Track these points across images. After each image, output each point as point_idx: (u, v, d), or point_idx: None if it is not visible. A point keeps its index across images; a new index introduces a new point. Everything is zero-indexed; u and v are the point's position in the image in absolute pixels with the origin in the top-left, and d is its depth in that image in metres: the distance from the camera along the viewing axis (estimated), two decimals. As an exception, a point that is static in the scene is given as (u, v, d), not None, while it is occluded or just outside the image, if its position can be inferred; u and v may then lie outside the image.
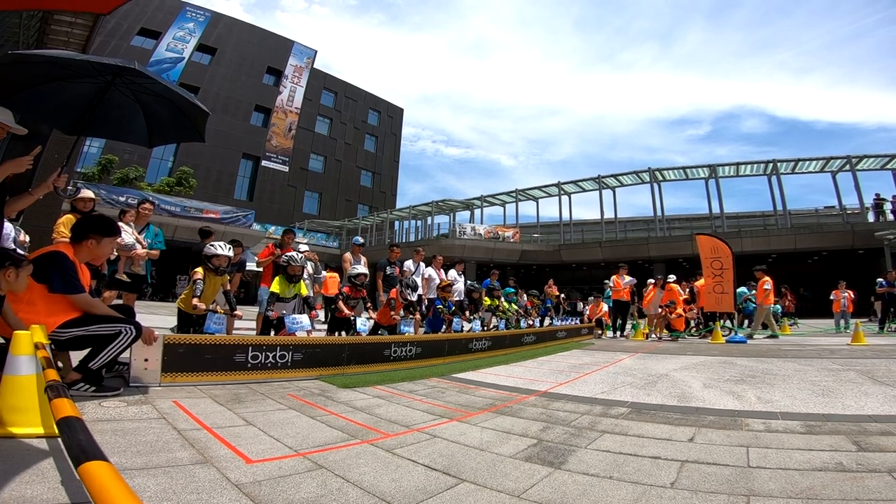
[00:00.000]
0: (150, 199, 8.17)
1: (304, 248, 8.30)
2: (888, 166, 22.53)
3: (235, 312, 4.97)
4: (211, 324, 4.20)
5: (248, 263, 8.66)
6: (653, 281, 12.32)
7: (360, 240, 8.46)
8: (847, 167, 22.95)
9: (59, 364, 2.91)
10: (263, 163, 39.26)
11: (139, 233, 6.00)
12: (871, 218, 22.47)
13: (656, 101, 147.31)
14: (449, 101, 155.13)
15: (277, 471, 1.97)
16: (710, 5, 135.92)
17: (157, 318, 9.06)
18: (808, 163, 24.11)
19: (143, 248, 5.86)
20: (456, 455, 2.33)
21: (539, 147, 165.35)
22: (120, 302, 5.64)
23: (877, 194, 22.39)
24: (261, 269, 7.26)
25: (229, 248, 4.99)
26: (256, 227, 27.73)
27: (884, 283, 12.18)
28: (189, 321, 4.77)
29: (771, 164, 24.44)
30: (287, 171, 40.50)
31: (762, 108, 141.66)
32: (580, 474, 2.11)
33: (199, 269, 4.81)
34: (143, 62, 22.02)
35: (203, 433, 2.40)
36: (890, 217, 21.61)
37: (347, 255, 7.94)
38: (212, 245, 4.95)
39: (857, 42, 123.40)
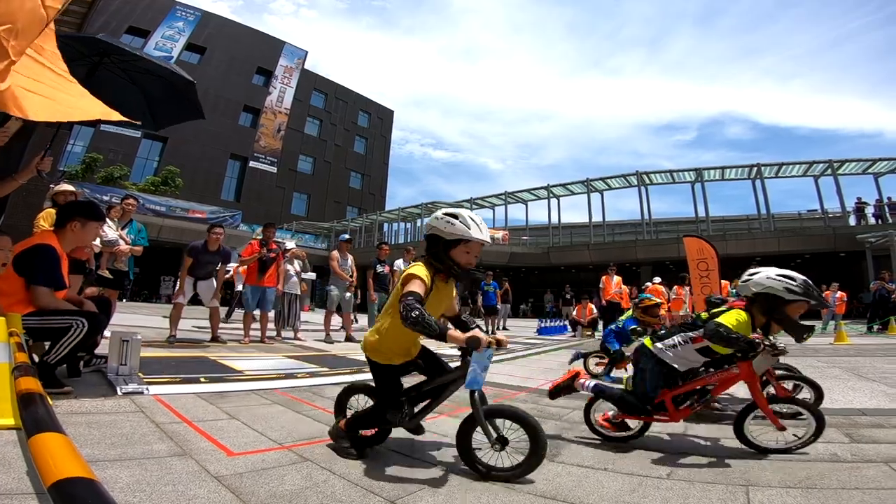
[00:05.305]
0: (134, 195, 7.99)
1: (290, 245, 8.19)
2: (869, 171, 22.95)
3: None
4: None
5: (233, 263, 8.51)
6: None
7: (347, 236, 8.37)
8: (829, 171, 23.33)
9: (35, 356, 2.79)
10: (251, 163, 38.84)
11: (122, 229, 5.87)
12: (852, 221, 22.85)
13: (645, 107, 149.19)
14: (439, 104, 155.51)
15: (261, 463, 1.89)
16: (698, 11, 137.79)
17: (138, 317, 8.88)
18: (791, 167, 24.49)
19: (126, 243, 5.73)
20: (447, 448, 2.27)
21: (528, 151, 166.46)
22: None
23: (858, 198, 22.78)
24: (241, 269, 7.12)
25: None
26: (244, 227, 27.32)
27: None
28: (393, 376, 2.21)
29: (755, 168, 24.77)
30: (275, 171, 40.11)
31: (746, 115, 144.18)
32: (574, 466, 2.06)
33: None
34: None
35: (183, 426, 2.30)
36: (871, 220, 22.00)
37: (335, 252, 7.84)
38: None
39: (841, 47, 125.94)
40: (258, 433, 2.32)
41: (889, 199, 21.77)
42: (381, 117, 51.58)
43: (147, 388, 2.98)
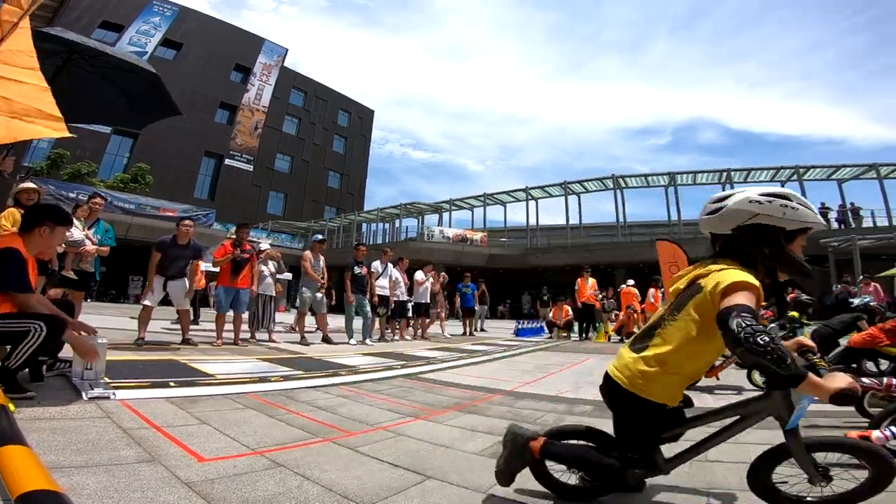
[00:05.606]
0: (102, 193, 7.75)
1: (265, 246, 8.08)
2: (833, 177, 24.02)
3: None
4: None
5: (204, 261, 8.32)
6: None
7: (321, 236, 8.33)
8: (795, 177, 24.31)
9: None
10: (227, 161, 38.11)
11: (88, 228, 5.69)
12: (816, 226, 23.84)
13: (622, 111, 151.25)
14: (421, 104, 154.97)
15: (232, 469, 1.87)
16: (679, 13, 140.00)
17: (105, 318, 8.60)
18: (759, 172, 25.42)
19: (92, 244, 5.55)
20: (421, 452, 2.28)
21: (507, 153, 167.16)
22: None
23: (822, 203, 23.73)
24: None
25: None
26: (217, 226, 26.73)
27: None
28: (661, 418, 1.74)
29: (725, 174, 25.64)
30: (252, 170, 39.45)
31: (718, 120, 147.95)
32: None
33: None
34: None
35: (151, 432, 2.25)
36: (834, 225, 22.94)
37: (307, 253, 7.77)
38: None
39: (818, 53, 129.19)
40: (230, 438, 2.29)
41: (852, 204, 22.83)
42: (362, 117, 51.34)
43: (114, 393, 2.90)
